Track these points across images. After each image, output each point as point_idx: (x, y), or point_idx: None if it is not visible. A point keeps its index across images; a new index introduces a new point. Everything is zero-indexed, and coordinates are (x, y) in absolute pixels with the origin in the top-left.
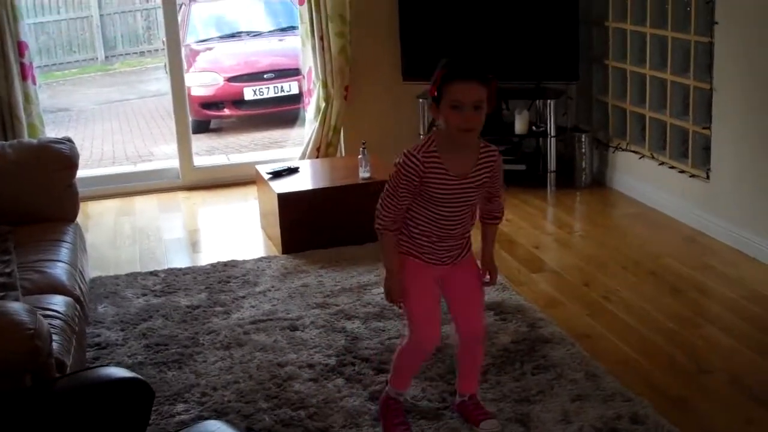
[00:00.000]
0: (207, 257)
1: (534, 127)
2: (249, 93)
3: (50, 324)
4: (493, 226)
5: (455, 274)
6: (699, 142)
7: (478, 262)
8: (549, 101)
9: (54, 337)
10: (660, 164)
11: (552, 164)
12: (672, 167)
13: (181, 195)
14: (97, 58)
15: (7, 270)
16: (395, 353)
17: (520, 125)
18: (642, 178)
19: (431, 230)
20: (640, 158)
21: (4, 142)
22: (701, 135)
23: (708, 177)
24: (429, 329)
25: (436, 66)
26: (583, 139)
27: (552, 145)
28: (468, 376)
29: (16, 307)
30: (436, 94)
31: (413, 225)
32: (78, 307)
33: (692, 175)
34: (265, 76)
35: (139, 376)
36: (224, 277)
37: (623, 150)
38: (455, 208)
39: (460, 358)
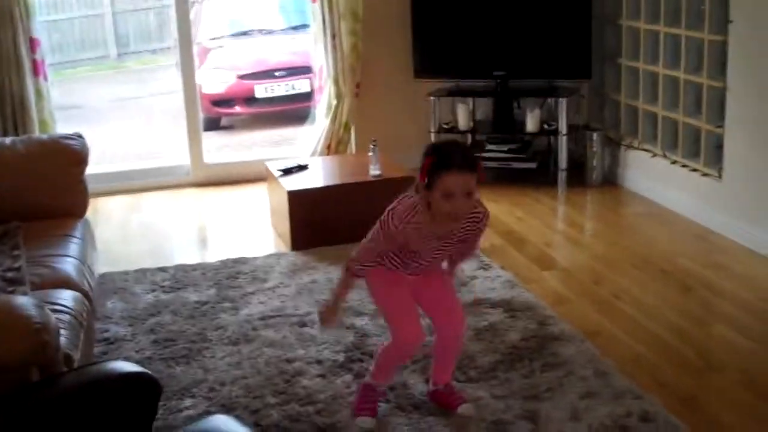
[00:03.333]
0: (216, 254)
1: (545, 125)
2: (260, 90)
3: (58, 318)
4: (460, 262)
5: (422, 278)
6: (711, 141)
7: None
8: (561, 99)
9: (62, 331)
10: (672, 163)
11: (563, 162)
12: (684, 166)
13: (191, 192)
14: (109, 56)
15: (16, 265)
16: (379, 351)
17: (531, 123)
18: (653, 177)
19: (405, 263)
20: (652, 157)
21: (15, 138)
22: (714, 134)
23: (720, 176)
24: (411, 326)
25: (425, 155)
26: (594, 138)
27: (563, 143)
28: (446, 368)
29: (24, 302)
30: (426, 181)
31: (388, 255)
32: (86, 301)
33: (704, 174)
34: (276, 73)
35: (147, 371)
36: (233, 273)
37: (635, 148)
38: (429, 255)
39: (438, 352)
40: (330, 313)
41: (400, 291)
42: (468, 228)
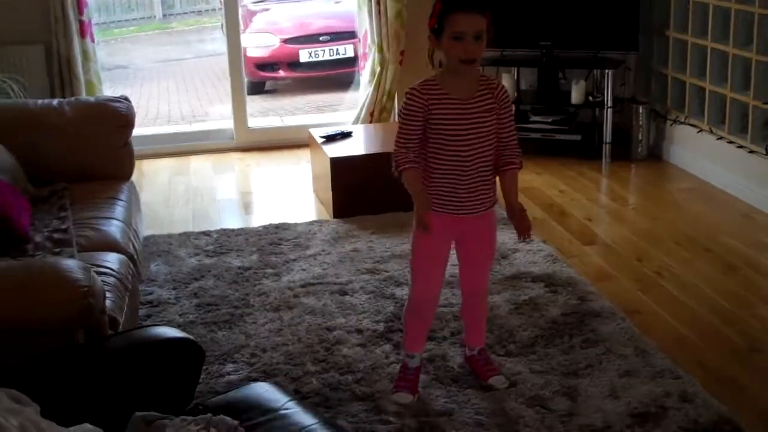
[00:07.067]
0: (259, 219)
1: (590, 98)
2: (304, 55)
3: (104, 281)
4: (512, 173)
5: (473, 230)
6: (759, 118)
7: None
8: (607, 71)
9: (107, 294)
10: (718, 139)
11: (608, 135)
12: (730, 142)
13: (234, 156)
14: (155, 17)
15: (63, 226)
16: (403, 314)
17: (576, 95)
18: (699, 152)
19: (450, 169)
20: (698, 132)
21: (62, 99)
22: (762, 110)
23: (767, 153)
24: (426, 283)
25: (435, 4)
26: (640, 111)
27: (608, 116)
28: (472, 330)
29: (71, 265)
30: (436, 26)
31: (432, 169)
32: (131, 264)
33: (751, 151)
34: (320, 38)
35: (190, 337)
36: (276, 239)
37: (681, 123)
38: (468, 138)
39: (463, 313)
40: (424, 206)
41: (433, 250)
42: (486, 93)
